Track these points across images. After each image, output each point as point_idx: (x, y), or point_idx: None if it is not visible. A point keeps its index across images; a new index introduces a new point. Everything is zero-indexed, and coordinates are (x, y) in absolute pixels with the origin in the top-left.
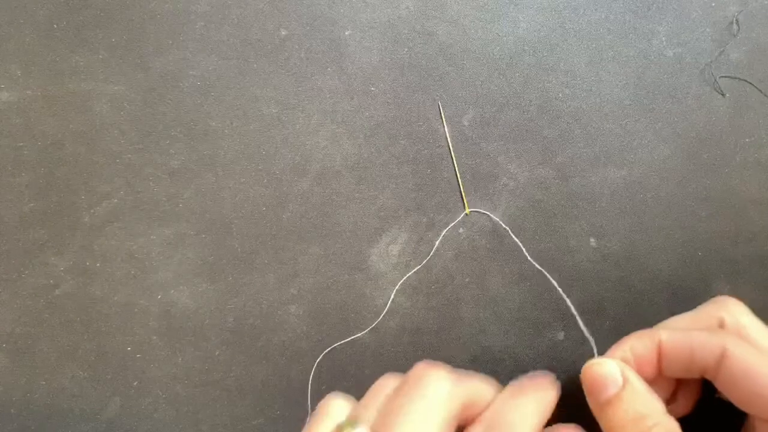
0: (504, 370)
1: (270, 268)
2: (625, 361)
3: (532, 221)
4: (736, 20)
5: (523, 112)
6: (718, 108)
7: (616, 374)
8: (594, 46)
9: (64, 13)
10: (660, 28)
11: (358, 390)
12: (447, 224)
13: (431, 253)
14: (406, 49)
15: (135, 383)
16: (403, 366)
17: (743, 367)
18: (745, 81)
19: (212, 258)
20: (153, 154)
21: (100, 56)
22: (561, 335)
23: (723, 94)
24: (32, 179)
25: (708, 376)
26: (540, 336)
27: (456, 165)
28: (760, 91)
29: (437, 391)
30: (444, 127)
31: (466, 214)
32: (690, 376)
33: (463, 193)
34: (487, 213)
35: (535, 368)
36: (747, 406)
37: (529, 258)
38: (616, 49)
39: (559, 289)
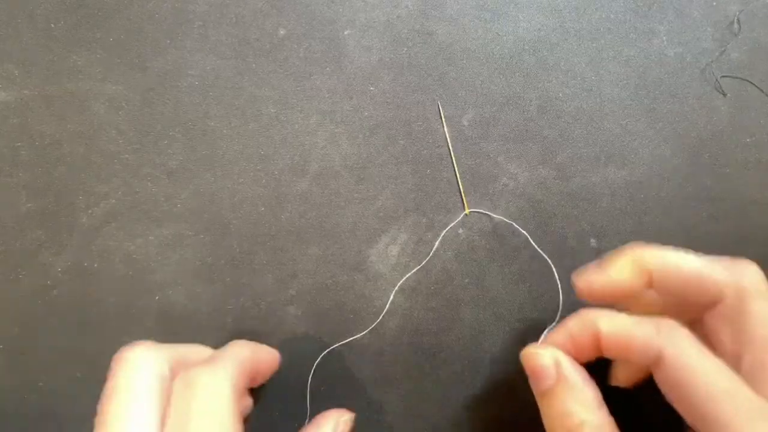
0: (504, 372)
1: (268, 268)
2: (563, 345)
3: (532, 222)
4: (738, 19)
5: (523, 111)
6: (719, 108)
7: (551, 368)
8: (594, 45)
9: (62, 13)
10: (661, 28)
11: (357, 392)
12: (446, 225)
13: (431, 254)
14: (405, 49)
15: None
16: (402, 367)
17: (678, 375)
18: (747, 81)
19: (210, 259)
20: (151, 154)
21: (98, 56)
22: None
23: (724, 94)
24: (30, 179)
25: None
26: (540, 337)
27: (455, 165)
28: (762, 90)
29: (204, 383)
30: (443, 127)
31: (466, 215)
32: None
33: (462, 194)
34: (488, 213)
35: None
36: (681, 412)
37: (537, 248)
38: (616, 49)
39: (559, 283)
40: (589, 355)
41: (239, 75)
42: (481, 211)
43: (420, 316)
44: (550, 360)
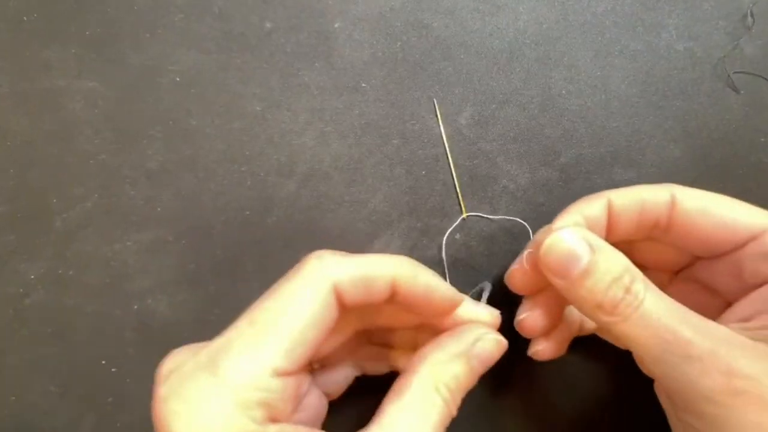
0: (506, 383)
1: (254, 276)
2: (577, 226)
3: (534, 226)
4: (751, 12)
5: (524, 109)
6: (732, 105)
7: (583, 244)
8: (599, 39)
9: (35, 5)
10: (670, 21)
11: (356, 397)
12: (442, 229)
13: (426, 260)
14: (399, 43)
15: (110, 399)
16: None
17: (695, 206)
18: (761, 77)
19: (192, 265)
20: (129, 155)
21: (74, 51)
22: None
23: (737, 91)
24: (1, 181)
25: (659, 229)
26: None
27: (452, 166)
28: None
29: (310, 268)
30: (440, 125)
31: (464, 219)
32: (639, 235)
33: (460, 197)
34: (487, 216)
35: (541, 383)
36: (701, 247)
37: None
38: (622, 43)
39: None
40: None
41: (223, 71)
42: (479, 214)
43: None
44: (579, 237)
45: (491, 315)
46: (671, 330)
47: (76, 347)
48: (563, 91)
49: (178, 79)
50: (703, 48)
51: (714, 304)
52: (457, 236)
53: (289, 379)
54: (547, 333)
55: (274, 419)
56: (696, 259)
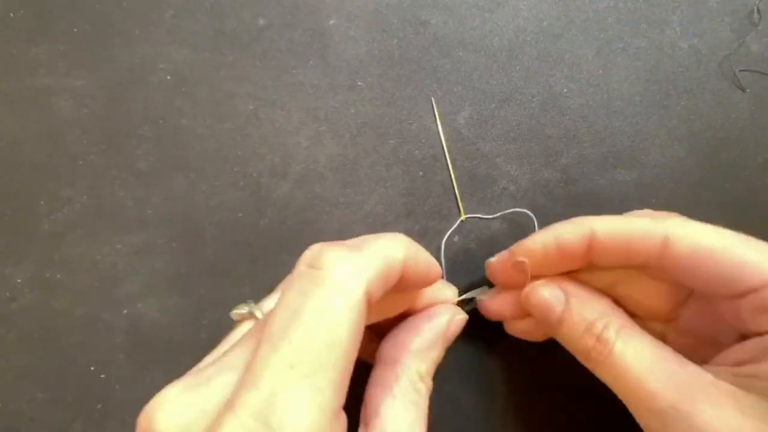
0: (505, 391)
1: (247, 279)
2: (546, 249)
3: (534, 228)
4: (757, 9)
5: (525, 109)
6: (738, 104)
7: (557, 293)
8: (602, 36)
9: (22, 2)
10: (674, 17)
11: (354, 405)
12: (440, 231)
13: None
14: (396, 40)
15: (99, 406)
16: None
17: (691, 251)
18: (767, 75)
19: (184, 268)
20: (119, 156)
21: (62, 48)
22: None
23: (743, 90)
24: None
25: (649, 264)
26: (543, 354)
27: (451, 167)
28: None
29: (337, 273)
30: (438, 125)
31: (462, 221)
32: (626, 266)
33: (458, 198)
34: (486, 218)
35: (536, 390)
36: (696, 283)
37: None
38: (625, 40)
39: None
40: (576, 264)
41: (215, 69)
42: (478, 216)
43: None
44: (552, 287)
45: (453, 292)
46: (636, 380)
47: (64, 353)
48: (564, 90)
49: (168, 77)
50: (709, 45)
51: (710, 353)
52: (456, 239)
53: (342, 414)
54: (513, 319)
55: None
56: (689, 300)
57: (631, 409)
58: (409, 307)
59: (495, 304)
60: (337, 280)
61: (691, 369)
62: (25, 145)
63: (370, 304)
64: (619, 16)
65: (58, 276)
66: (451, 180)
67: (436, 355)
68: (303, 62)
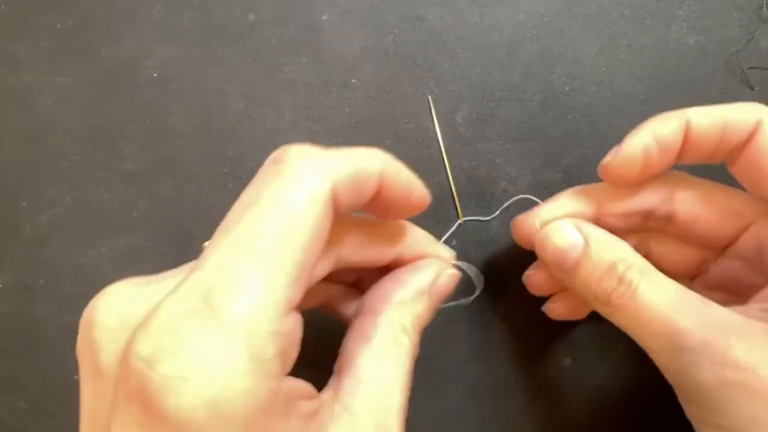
0: (504, 401)
1: None
2: (646, 149)
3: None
4: (766, 4)
5: (525, 107)
6: None
7: (576, 235)
8: (605, 32)
9: None
10: (680, 13)
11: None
12: (438, 235)
13: None
14: (391, 37)
15: None
16: None
17: None
18: None
19: None
20: (104, 156)
21: (45, 45)
22: (568, 361)
23: (751, 88)
24: None
25: (730, 158)
26: (544, 362)
27: (449, 168)
28: None
29: (301, 166)
30: (435, 124)
31: (460, 224)
32: (710, 160)
33: (456, 200)
34: (485, 220)
35: (538, 399)
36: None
37: None
38: (630, 37)
39: None
40: (666, 163)
41: (204, 66)
42: (477, 218)
43: None
44: (570, 229)
45: (450, 253)
46: (664, 319)
47: (47, 361)
48: (566, 88)
49: (155, 74)
50: (716, 42)
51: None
52: (454, 242)
53: (297, 316)
54: (556, 292)
55: (285, 370)
56: (716, 255)
57: (655, 353)
58: (397, 257)
59: (537, 277)
60: (300, 173)
61: (720, 308)
62: (7, 145)
63: (339, 207)
64: (624, 11)
65: (41, 281)
66: (449, 181)
67: (421, 309)
68: (295, 59)
